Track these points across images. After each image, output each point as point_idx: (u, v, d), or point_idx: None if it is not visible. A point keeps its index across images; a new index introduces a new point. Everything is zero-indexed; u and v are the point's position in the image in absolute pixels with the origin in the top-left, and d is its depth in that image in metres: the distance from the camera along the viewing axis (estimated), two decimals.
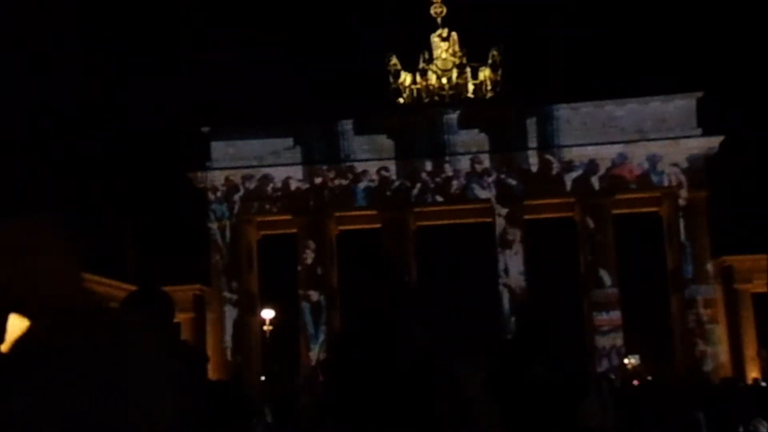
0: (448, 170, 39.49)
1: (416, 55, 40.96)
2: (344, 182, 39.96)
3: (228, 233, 40.22)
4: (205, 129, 40.97)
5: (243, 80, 47.09)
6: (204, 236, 40.63)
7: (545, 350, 5.98)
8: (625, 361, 37.14)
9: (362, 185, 39.87)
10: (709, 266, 38.18)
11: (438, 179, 39.57)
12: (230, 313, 39.84)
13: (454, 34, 40.99)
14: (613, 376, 28.77)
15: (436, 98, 40.53)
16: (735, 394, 20.26)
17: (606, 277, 38.13)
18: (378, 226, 40.05)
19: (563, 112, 39.26)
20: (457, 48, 40.89)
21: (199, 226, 41.03)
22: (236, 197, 40.43)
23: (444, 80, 40.53)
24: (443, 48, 40.87)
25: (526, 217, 39.55)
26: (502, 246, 38.82)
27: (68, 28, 49.75)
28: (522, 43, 42.88)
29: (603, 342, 37.23)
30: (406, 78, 40.83)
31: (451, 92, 40.51)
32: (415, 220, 40.62)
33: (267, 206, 40.59)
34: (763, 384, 26.76)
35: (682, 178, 38.34)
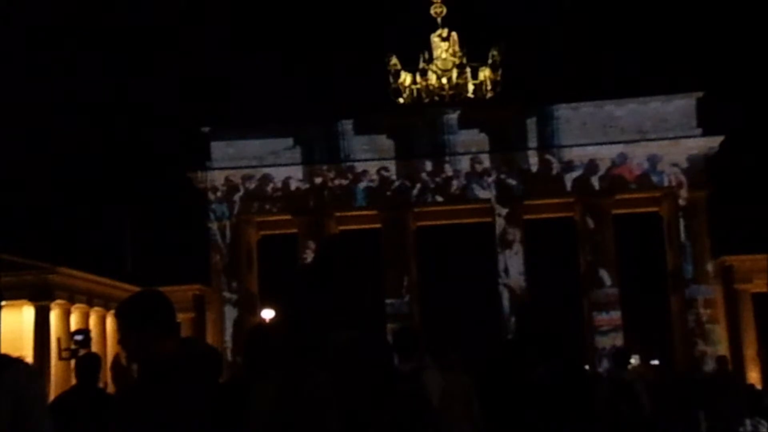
0: (448, 170, 39.48)
1: (416, 55, 40.96)
2: (344, 182, 39.94)
3: (228, 233, 40.20)
4: (205, 129, 40.95)
5: (243, 80, 47.10)
6: (204, 236, 40.62)
7: (546, 350, 5.98)
8: None
9: (362, 185, 39.86)
10: (709, 266, 38.17)
11: (438, 179, 39.56)
12: (230, 313, 39.81)
13: (454, 34, 40.96)
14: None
15: (436, 98, 40.51)
16: (734, 393, 20.25)
17: (606, 277, 38.12)
18: (378, 226, 40.05)
19: (563, 112, 39.25)
20: (457, 48, 40.87)
21: (199, 226, 41.03)
22: (236, 197, 40.41)
23: (444, 80, 40.51)
24: (443, 48, 40.86)
25: (526, 217, 39.54)
26: (502, 246, 38.81)
27: (69, 28, 49.77)
28: (522, 43, 42.91)
29: (603, 342, 37.21)
30: (406, 78, 40.80)
31: (451, 92, 40.50)
32: (415, 220, 40.61)
33: (267, 206, 40.57)
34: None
35: (682, 178, 38.32)
